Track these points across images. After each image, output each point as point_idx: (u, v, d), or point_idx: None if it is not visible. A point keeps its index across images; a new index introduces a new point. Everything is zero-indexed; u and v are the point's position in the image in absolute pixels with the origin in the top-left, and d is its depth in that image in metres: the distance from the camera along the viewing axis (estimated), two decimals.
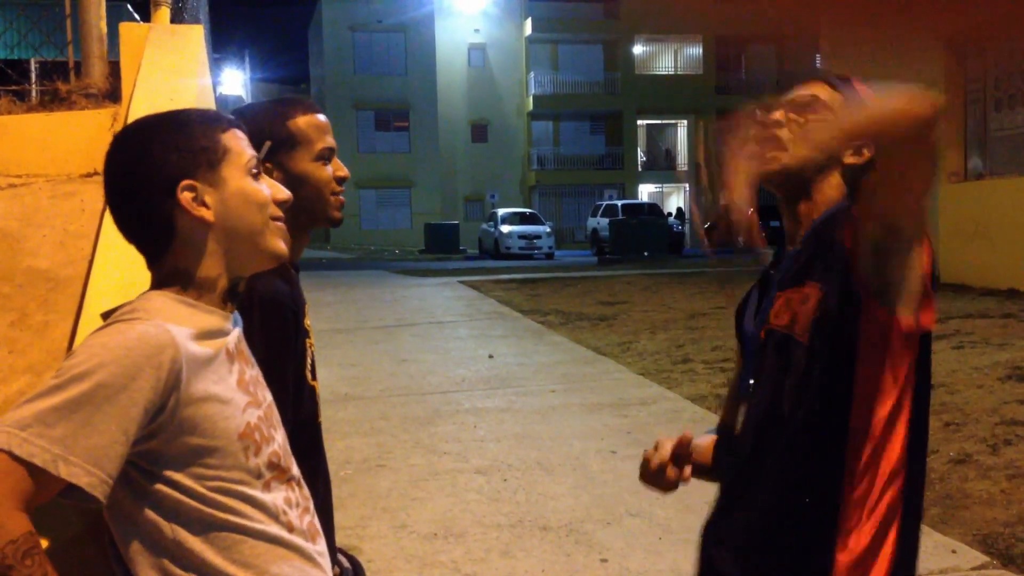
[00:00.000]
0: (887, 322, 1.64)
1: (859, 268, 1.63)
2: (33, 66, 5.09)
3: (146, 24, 4.07)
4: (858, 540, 1.65)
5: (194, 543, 1.38)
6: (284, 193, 1.53)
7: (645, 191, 48.43)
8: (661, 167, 49.97)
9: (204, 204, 1.42)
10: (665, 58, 49.09)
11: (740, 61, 49.19)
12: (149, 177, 1.41)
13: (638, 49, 47.87)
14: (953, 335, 9.22)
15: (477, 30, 47.11)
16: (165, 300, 1.42)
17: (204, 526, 1.38)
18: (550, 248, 34.30)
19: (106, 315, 1.45)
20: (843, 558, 1.64)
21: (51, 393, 1.28)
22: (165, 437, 1.35)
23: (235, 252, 1.47)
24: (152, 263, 1.47)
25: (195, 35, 3.93)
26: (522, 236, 34.31)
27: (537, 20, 46.60)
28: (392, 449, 6.13)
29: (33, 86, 4.71)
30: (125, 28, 3.82)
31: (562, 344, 10.47)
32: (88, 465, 1.27)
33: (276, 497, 1.46)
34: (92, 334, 1.36)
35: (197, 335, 1.40)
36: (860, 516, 1.65)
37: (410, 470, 5.68)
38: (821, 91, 1.82)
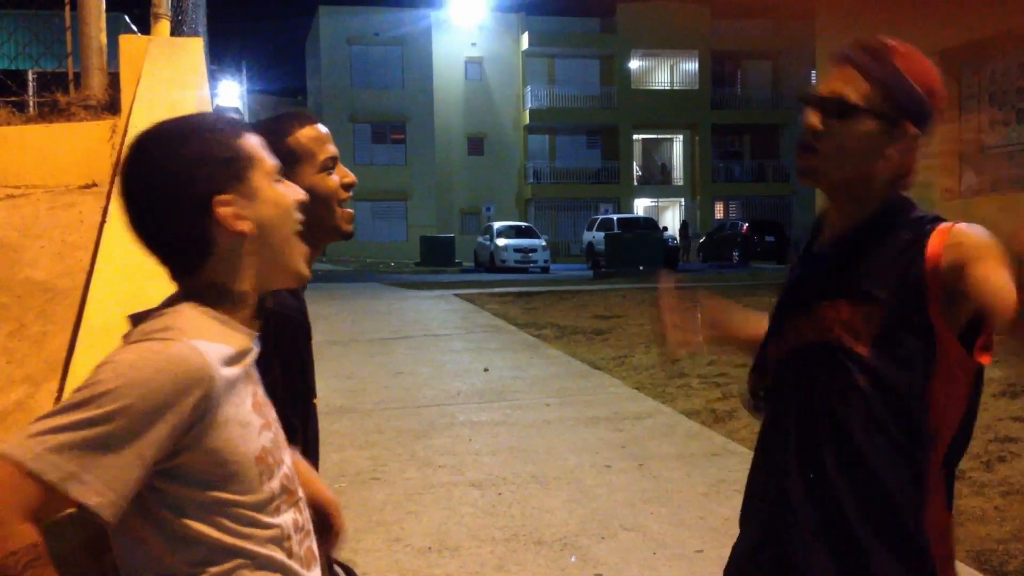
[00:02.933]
0: (959, 354, 1.70)
1: (941, 306, 1.66)
2: (31, 77, 5.10)
3: (146, 36, 4.09)
4: (934, 516, 1.71)
5: (194, 568, 1.35)
6: (301, 193, 1.50)
7: (641, 205, 48.51)
8: (657, 181, 50.08)
9: (241, 217, 1.39)
10: (661, 73, 49.25)
11: (736, 76, 49.38)
12: (180, 195, 1.36)
13: (634, 64, 48.01)
14: None
15: (474, 44, 47.23)
16: (200, 317, 1.37)
17: (209, 550, 1.35)
18: (546, 261, 34.30)
19: (135, 318, 1.41)
20: (930, 527, 1.70)
21: (74, 409, 1.24)
22: (185, 459, 1.32)
23: (266, 265, 1.44)
24: (181, 277, 1.42)
25: (194, 48, 3.95)
26: (518, 249, 34.31)
27: (534, 34, 46.74)
28: (387, 462, 6.12)
29: (32, 97, 4.72)
30: (125, 40, 3.84)
31: (557, 358, 10.47)
32: (101, 486, 1.24)
33: (285, 520, 1.43)
34: (122, 350, 1.31)
35: (229, 358, 1.36)
36: (933, 496, 1.71)
37: (405, 483, 5.67)
38: (851, 84, 1.73)
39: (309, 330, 1.89)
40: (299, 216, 1.47)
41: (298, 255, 1.47)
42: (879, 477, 1.68)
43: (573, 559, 4.45)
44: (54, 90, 4.22)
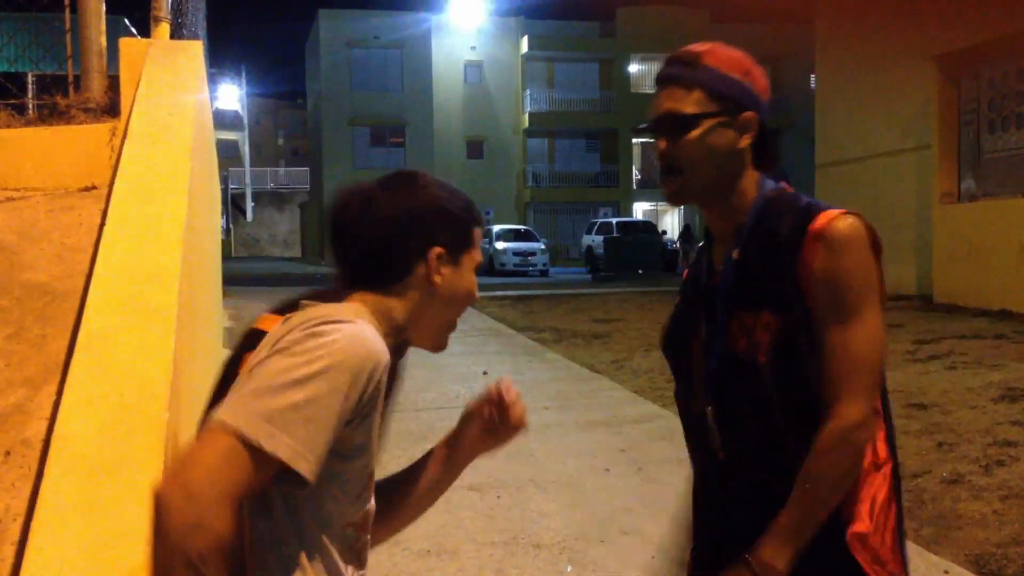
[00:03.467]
0: None
1: (816, 308, 1.69)
2: (31, 80, 5.10)
3: (146, 40, 4.09)
4: (864, 516, 1.70)
5: (300, 549, 1.43)
6: (475, 295, 1.68)
7: (640, 209, 48.54)
8: (656, 185, 49.93)
9: (441, 274, 1.57)
10: None
11: None
12: (421, 224, 1.56)
13: (633, 67, 48.06)
14: (946, 355, 9.24)
15: (473, 47, 47.27)
16: (370, 320, 1.50)
17: (305, 536, 1.44)
18: (545, 265, 34.31)
19: (305, 300, 1.51)
20: (856, 528, 1.70)
21: (291, 388, 1.32)
22: (344, 437, 1.42)
23: (427, 322, 1.60)
24: (363, 288, 1.57)
25: (194, 51, 3.95)
26: (517, 253, 34.33)
27: (533, 38, 46.78)
28: (386, 465, 6.07)
29: (31, 100, 4.72)
30: (125, 43, 3.84)
31: (556, 361, 10.48)
32: (314, 460, 1.33)
33: (351, 549, 1.53)
34: (311, 330, 1.38)
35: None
36: (861, 502, 1.71)
37: None
38: (678, 98, 1.78)
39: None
40: (463, 310, 1.66)
41: (447, 331, 1.66)
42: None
43: (569, 568, 4.44)
44: (54, 93, 4.22)
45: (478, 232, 1.66)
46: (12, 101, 4.52)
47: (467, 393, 8.57)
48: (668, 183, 1.83)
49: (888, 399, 1.79)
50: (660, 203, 49.78)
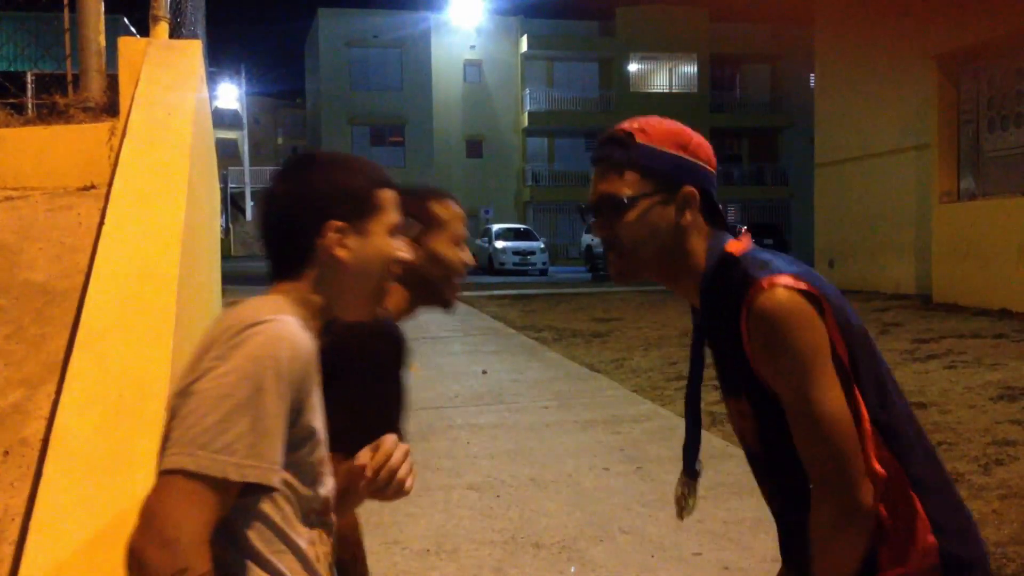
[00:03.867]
0: None
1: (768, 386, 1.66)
2: (30, 79, 5.10)
3: (144, 39, 4.09)
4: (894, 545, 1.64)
5: (255, 546, 1.42)
6: (410, 254, 1.64)
7: None
8: None
9: (344, 246, 1.54)
10: (660, 76, 49.25)
11: (734, 80, 49.40)
12: (306, 209, 1.54)
13: (633, 67, 48.02)
14: (945, 355, 9.25)
15: (473, 46, 47.23)
16: (290, 309, 1.49)
17: (269, 529, 1.42)
18: (544, 264, 34.29)
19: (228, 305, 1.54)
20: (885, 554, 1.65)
21: (236, 413, 1.32)
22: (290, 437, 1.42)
23: (348, 295, 1.58)
24: (281, 278, 1.56)
25: (193, 50, 3.95)
26: (516, 252, 34.30)
27: (533, 37, 46.74)
28: None
29: (30, 99, 4.72)
30: (124, 43, 3.84)
31: (556, 360, 10.48)
32: (268, 464, 1.35)
33: (313, 533, 1.50)
34: (234, 341, 1.38)
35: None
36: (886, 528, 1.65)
37: None
38: (611, 180, 1.75)
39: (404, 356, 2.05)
40: (395, 270, 1.61)
41: (375, 299, 1.61)
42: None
43: (573, 570, 4.44)
44: (53, 92, 4.22)
45: (387, 195, 1.61)
46: (11, 100, 4.52)
47: (466, 392, 8.58)
48: (611, 264, 1.80)
49: (909, 448, 1.69)
50: None
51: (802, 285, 1.60)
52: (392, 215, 1.61)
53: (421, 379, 9.24)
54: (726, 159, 48.56)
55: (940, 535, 1.64)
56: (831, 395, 1.57)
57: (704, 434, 6.82)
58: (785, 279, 1.61)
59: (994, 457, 5.65)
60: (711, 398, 7.84)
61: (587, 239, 36.67)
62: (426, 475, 5.88)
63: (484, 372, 9.58)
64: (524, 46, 46.89)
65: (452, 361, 10.54)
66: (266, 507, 1.41)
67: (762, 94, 49.18)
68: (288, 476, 1.42)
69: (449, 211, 2.15)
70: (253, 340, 1.37)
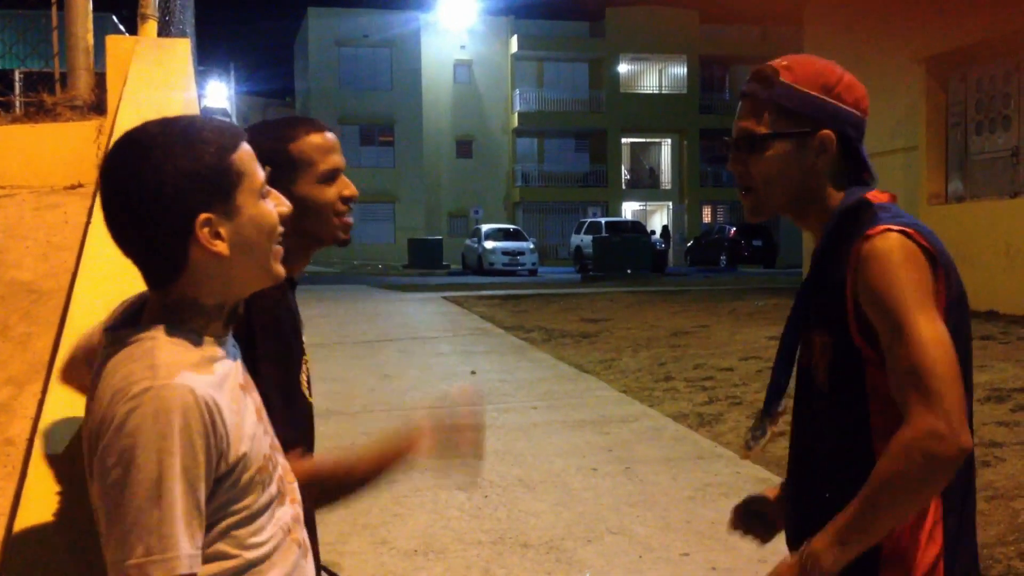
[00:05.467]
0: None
1: (857, 330, 1.64)
2: (18, 77, 5.08)
3: (133, 37, 4.08)
4: (898, 536, 1.65)
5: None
6: (286, 206, 1.49)
7: (628, 209, 48.59)
8: (645, 185, 50.17)
9: (219, 236, 1.36)
10: (650, 77, 49.36)
11: (724, 81, 49.53)
12: (163, 211, 1.32)
13: (623, 68, 48.12)
14: None
15: (463, 46, 47.25)
16: (175, 348, 1.34)
17: (224, 561, 1.37)
18: (533, 264, 34.32)
19: (111, 333, 1.39)
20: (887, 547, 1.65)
21: (125, 500, 1.24)
22: (226, 485, 1.35)
23: (241, 277, 1.42)
24: (158, 287, 1.40)
25: (181, 48, 3.93)
26: (505, 252, 34.31)
27: (523, 37, 46.79)
28: None
29: (18, 97, 4.70)
30: (112, 41, 3.82)
31: (544, 361, 10.48)
32: (195, 548, 1.27)
33: (283, 514, 1.46)
34: (127, 410, 1.27)
35: (216, 380, 1.36)
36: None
37: (391, 486, 5.64)
38: (751, 116, 1.76)
39: (300, 332, 1.88)
40: (280, 230, 1.46)
41: (273, 261, 1.45)
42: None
43: (588, 575, 4.43)
44: (40, 90, 4.20)
45: (243, 156, 1.40)
46: None
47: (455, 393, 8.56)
48: (744, 200, 1.82)
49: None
50: (648, 203, 49.86)
51: (924, 242, 1.62)
52: (256, 177, 1.41)
53: (410, 379, 9.24)
54: (715, 160, 48.67)
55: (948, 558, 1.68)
56: (938, 325, 1.57)
57: (692, 435, 6.85)
58: (911, 231, 1.62)
59: (981, 458, 5.67)
60: (699, 399, 7.87)
61: (576, 239, 36.74)
62: (414, 475, 5.86)
63: (473, 372, 9.58)
64: (514, 47, 46.94)
65: (441, 361, 10.53)
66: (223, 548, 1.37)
67: None
68: (236, 506, 1.36)
69: (314, 146, 1.90)
70: (135, 423, 1.25)
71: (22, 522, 1.82)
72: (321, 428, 7.24)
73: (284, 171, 1.80)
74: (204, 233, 1.34)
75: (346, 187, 1.92)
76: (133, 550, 1.22)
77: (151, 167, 1.32)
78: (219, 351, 1.41)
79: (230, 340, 1.48)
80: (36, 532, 1.79)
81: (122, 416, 1.26)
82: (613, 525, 4.97)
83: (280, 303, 1.80)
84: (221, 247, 1.36)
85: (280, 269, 1.47)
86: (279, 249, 1.46)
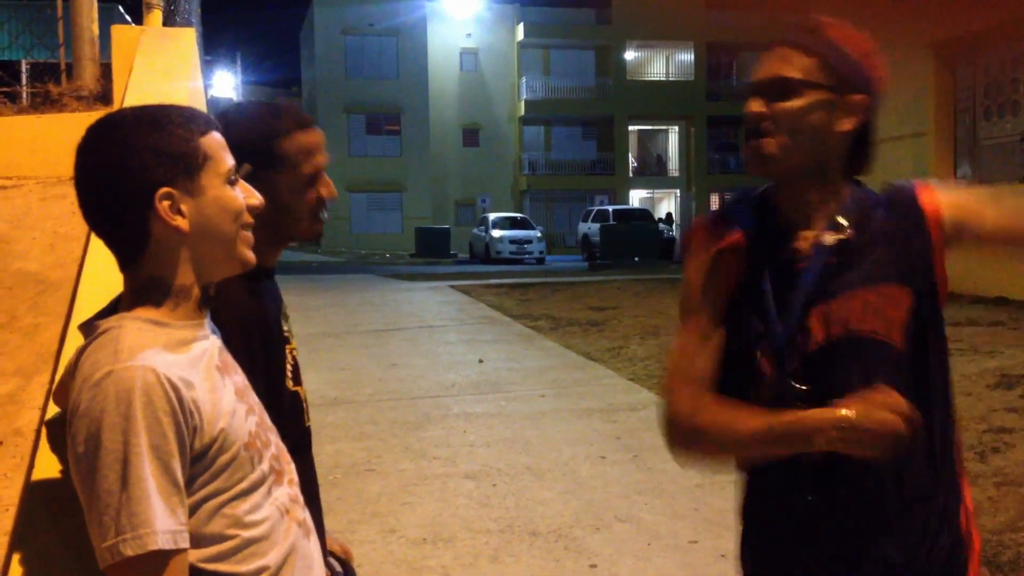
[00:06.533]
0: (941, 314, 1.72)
1: (943, 268, 1.67)
2: (24, 67, 5.08)
3: (138, 27, 4.07)
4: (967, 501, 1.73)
5: (209, 563, 1.38)
6: (257, 199, 1.49)
7: (636, 197, 48.51)
8: (652, 172, 50.07)
9: (180, 213, 1.38)
10: (657, 64, 49.20)
11: (731, 67, 49.34)
12: (126, 182, 1.36)
13: (630, 55, 47.97)
14: None
15: (469, 35, 47.14)
16: (140, 331, 1.36)
17: (218, 543, 1.39)
18: (541, 253, 34.28)
19: (85, 328, 1.41)
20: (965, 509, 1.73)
21: (93, 486, 1.26)
22: (207, 460, 1.36)
23: (206, 259, 1.44)
24: (126, 268, 1.43)
25: (187, 38, 3.93)
26: (513, 241, 34.29)
27: (529, 25, 46.65)
28: (381, 454, 6.12)
29: (24, 88, 4.70)
30: (117, 31, 3.82)
31: (552, 349, 10.47)
32: (181, 524, 1.29)
33: (280, 495, 1.48)
34: (89, 396, 1.29)
35: (185, 361, 1.37)
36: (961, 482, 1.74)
37: (399, 475, 5.68)
38: (789, 62, 1.67)
39: (270, 328, 1.81)
40: (247, 220, 1.47)
41: (240, 245, 1.46)
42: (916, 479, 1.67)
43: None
44: (46, 80, 4.20)
45: (212, 141, 1.43)
46: (5, 89, 4.50)
47: (462, 381, 8.58)
48: (754, 147, 1.69)
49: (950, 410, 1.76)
50: (656, 191, 49.77)
51: None
52: (223, 162, 1.44)
53: (417, 369, 9.25)
54: (723, 147, 48.56)
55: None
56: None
57: None
58: None
59: (990, 445, 5.65)
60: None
61: (583, 227, 36.69)
62: (422, 464, 5.89)
63: (481, 361, 9.58)
64: (520, 34, 46.81)
65: (448, 350, 10.53)
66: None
67: None
68: (224, 485, 1.38)
69: (299, 147, 1.83)
70: (102, 403, 1.27)
71: (31, 511, 1.83)
72: (329, 417, 7.34)
73: (266, 167, 1.78)
74: (164, 206, 1.37)
75: (325, 187, 1.88)
76: (108, 531, 1.25)
77: (117, 141, 1.38)
78: (191, 333, 1.42)
79: (207, 324, 1.48)
80: (45, 521, 1.80)
81: (87, 402, 1.28)
82: (621, 513, 4.98)
83: (244, 306, 1.73)
84: (181, 222, 1.38)
85: (249, 255, 1.48)
86: (248, 235, 1.47)
